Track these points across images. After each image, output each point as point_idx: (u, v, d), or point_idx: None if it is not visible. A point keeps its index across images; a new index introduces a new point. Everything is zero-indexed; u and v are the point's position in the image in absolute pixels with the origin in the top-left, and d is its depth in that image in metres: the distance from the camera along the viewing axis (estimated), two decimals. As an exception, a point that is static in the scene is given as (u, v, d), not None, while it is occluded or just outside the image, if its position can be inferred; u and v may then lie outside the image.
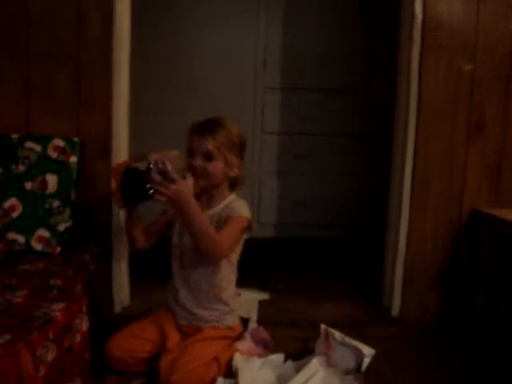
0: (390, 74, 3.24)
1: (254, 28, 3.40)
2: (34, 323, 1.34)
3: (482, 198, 2.25)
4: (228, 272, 1.81)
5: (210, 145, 1.72)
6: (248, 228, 1.79)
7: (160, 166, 1.59)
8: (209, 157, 1.73)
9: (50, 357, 1.33)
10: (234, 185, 1.85)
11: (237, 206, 1.78)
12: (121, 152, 2.13)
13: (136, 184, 1.62)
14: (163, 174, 1.58)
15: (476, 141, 2.23)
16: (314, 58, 3.43)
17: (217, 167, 1.75)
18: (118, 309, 2.22)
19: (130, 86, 2.21)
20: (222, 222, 1.75)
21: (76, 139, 2.03)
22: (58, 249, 1.94)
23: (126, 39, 2.12)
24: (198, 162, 1.74)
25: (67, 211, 1.96)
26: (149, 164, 1.59)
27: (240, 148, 1.80)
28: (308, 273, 2.87)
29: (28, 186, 1.97)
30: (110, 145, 2.10)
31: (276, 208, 3.52)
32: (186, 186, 1.61)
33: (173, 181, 1.58)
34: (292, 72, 3.43)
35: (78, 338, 1.51)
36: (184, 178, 1.63)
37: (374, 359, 1.75)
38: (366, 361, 1.74)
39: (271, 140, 3.43)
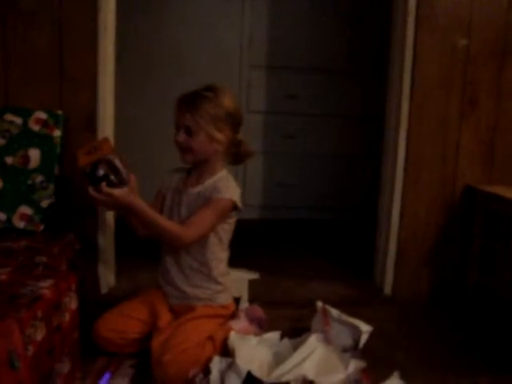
0: (377, 54, 3.25)
1: (240, 5, 3.31)
2: (22, 300, 1.27)
3: (475, 174, 2.23)
4: (217, 250, 1.75)
5: (187, 119, 1.65)
6: (235, 208, 1.72)
7: (101, 172, 1.58)
8: (189, 131, 1.66)
9: (39, 336, 1.25)
10: (237, 159, 1.79)
11: (223, 186, 1.69)
12: (106, 125, 2.03)
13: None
14: (108, 174, 1.58)
15: (469, 116, 2.20)
16: (302, 37, 3.36)
17: (199, 142, 1.67)
18: (104, 289, 2.15)
19: (116, 61, 2.11)
20: (205, 201, 1.69)
21: (60, 112, 1.92)
22: (42, 226, 1.85)
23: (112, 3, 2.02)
24: (181, 136, 1.68)
25: (51, 187, 1.86)
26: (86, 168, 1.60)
27: (229, 121, 1.70)
28: (296, 254, 2.84)
29: (9, 160, 1.86)
30: (96, 118, 2.00)
31: (261, 189, 3.46)
32: (121, 194, 1.58)
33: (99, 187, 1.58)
34: (279, 50, 3.36)
35: (67, 316, 1.43)
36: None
37: (369, 337, 1.72)
38: (364, 337, 1.71)
39: (256, 119, 3.35)
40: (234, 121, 1.72)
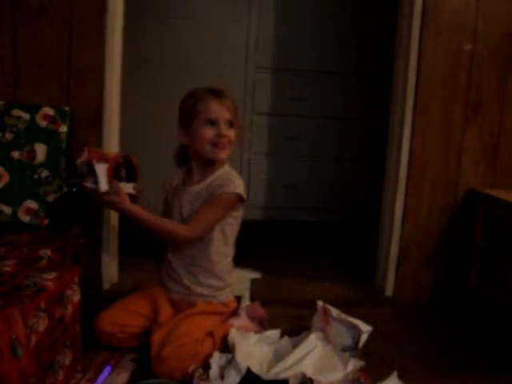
0: (381, 56, 3.27)
1: (246, 6, 3.32)
2: (25, 291, 1.28)
3: (478, 177, 2.24)
4: (221, 245, 1.76)
5: (229, 112, 1.69)
6: (241, 200, 1.73)
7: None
8: (231, 124, 1.70)
9: (42, 327, 1.27)
10: None
11: (226, 180, 1.71)
12: (112, 122, 2.06)
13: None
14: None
15: (473, 120, 2.21)
16: (307, 39, 3.38)
17: (235, 134, 1.73)
18: (106, 285, 2.17)
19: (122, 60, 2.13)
20: (209, 197, 1.71)
21: (67, 108, 1.95)
22: (46, 221, 1.87)
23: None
24: (224, 130, 1.69)
25: (56, 181, 1.88)
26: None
27: None
28: (299, 254, 2.84)
29: (15, 155, 1.89)
30: (102, 114, 2.02)
31: (265, 190, 3.47)
32: (116, 199, 1.63)
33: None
34: (284, 52, 3.37)
35: (70, 309, 1.45)
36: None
37: (368, 337, 1.73)
38: (364, 337, 1.72)
39: (261, 121, 3.37)
40: None
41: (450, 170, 2.23)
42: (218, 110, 1.68)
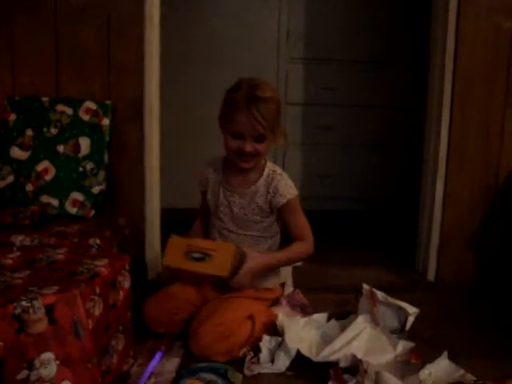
0: (413, 44, 3.25)
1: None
2: (81, 277, 1.32)
3: (520, 160, 2.20)
4: (274, 229, 1.81)
5: (262, 128, 1.60)
6: None
7: None
8: (260, 139, 1.63)
9: (97, 311, 1.30)
10: None
11: (283, 188, 1.71)
12: (153, 115, 2.09)
13: None
14: None
15: (514, 102, 2.18)
16: (338, 29, 3.36)
17: (267, 146, 1.67)
18: (150, 275, 2.20)
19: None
20: (272, 203, 1.73)
21: (108, 102, 1.99)
22: (93, 212, 1.91)
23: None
24: (249, 146, 1.63)
25: (101, 174, 1.92)
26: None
27: (281, 113, 1.70)
28: (337, 243, 2.84)
29: (60, 148, 1.94)
30: (142, 108, 2.05)
31: (300, 180, 3.46)
32: (246, 275, 1.68)
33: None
34: (315, 43, 3.36)
35: (122, 295, 1.48)
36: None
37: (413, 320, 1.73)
38: (411, 319, 1.72)
39: (295, 111, 3.36)
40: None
41: (490, 153, 2.19)
42: (246, 126, 1.60)
